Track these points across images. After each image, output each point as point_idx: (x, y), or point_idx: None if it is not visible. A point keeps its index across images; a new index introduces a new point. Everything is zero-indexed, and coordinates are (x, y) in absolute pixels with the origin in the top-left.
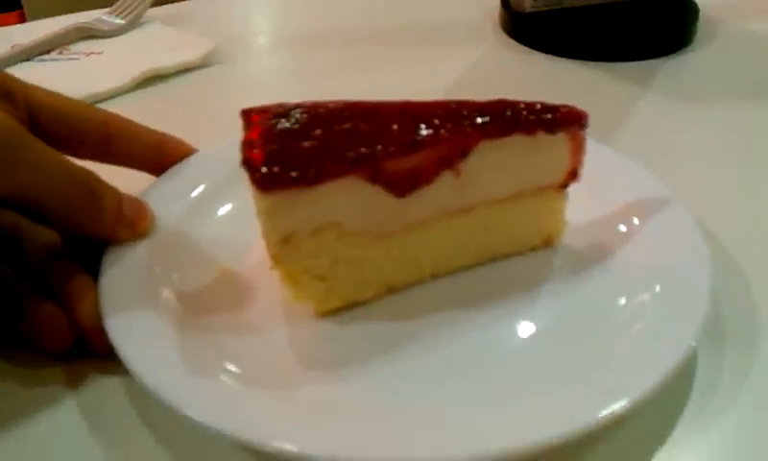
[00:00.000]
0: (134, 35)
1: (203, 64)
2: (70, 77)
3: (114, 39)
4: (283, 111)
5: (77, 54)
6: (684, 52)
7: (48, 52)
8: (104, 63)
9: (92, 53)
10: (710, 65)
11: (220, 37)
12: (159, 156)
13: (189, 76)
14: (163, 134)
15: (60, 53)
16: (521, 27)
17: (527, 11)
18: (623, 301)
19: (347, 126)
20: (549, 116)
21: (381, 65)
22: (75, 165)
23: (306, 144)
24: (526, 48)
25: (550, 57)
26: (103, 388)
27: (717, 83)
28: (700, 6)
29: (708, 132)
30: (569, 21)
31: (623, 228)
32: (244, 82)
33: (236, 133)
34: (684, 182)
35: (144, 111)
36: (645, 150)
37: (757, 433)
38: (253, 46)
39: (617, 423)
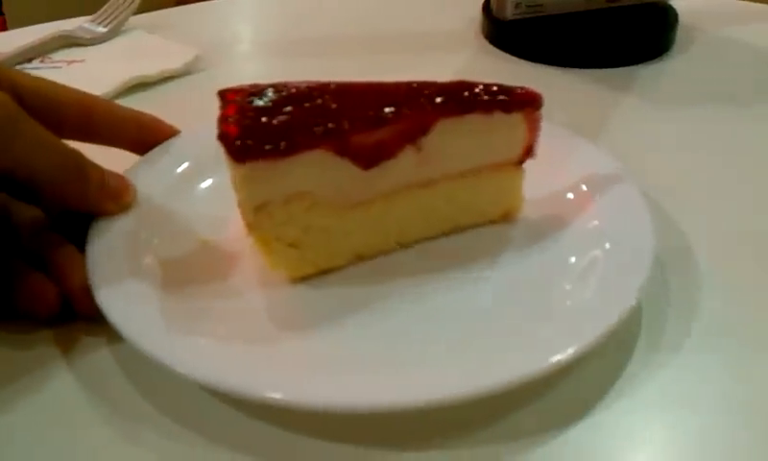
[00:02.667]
0: (117, 42)
1: (185, 72)
2: None
3: (96, 47)
4: (257, 90)
5: (59, 62)
6: (663, 58)
7: (30, 60)
8: (86, 72)
9: (74, 61)
10: (688, 71)
11: (203, 45)
12: (138, 132)
13: (172, 84)
14: (140, 112)
15: (42, 61)
16: (503, 34)
17: (509, 18)
18: (573, 260)
19: (317, 103)
20: (505, 97)
21: (362, 73)
22: (63, 143)
23: (278, 119)
24: (507, 55)
25: (531, 63)
26: (91, 350)
27: (695, 88)
28: (678, 13)
29: (685, 134)
30: (550, 28)
31: (577, 201)
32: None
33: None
34: (659, 181)
35: None
36: (623, 153)
37: (695, 387)
38: (236, 54)
39: (565, 371)
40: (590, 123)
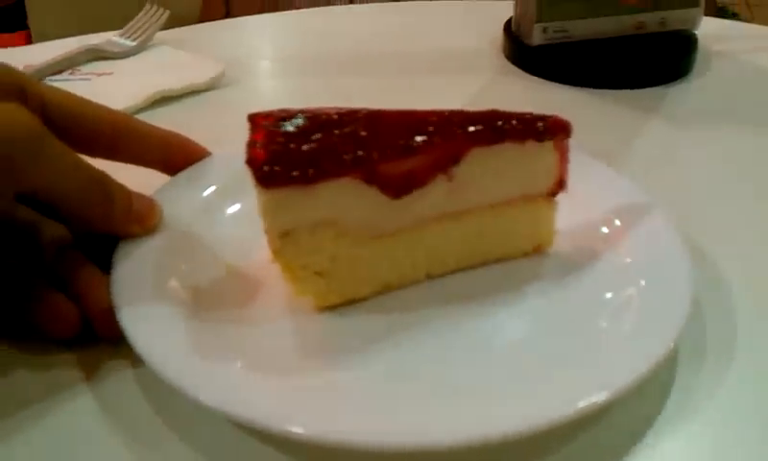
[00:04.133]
0: (144, 56)
1: (211, 87)
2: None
3: (124, 61)
4: (287, 116)
5: (88, 74)
6: (683, 81)
7: (60, 72)
8: (114, 84)
9: (103, 74)
10: (707, 93)
11: (228, 61)
12: (166, 152)
13: (197, 98)
14: (170, 132)
15: (72, 73)
16: (526, 56)
17: (535, 44)
18: (609, 296)
19: (346, 130)
20: (536, 125)
21: (385, 93)
22: (89, 164)
23: (307, 146)
24: (529, 75)
25: (554, 84)
26: (112, 374)
27: (712, 109)
28: (698, 39)
29: (704, 154)
30: (574, 52)
31: (609, 234)
32: (251, 105)
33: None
34: (678, 199)
35: None
36: (645, 170)
37: (729, 435)
38: (261, 70)
39: (597, 415)
40: (613, 140)
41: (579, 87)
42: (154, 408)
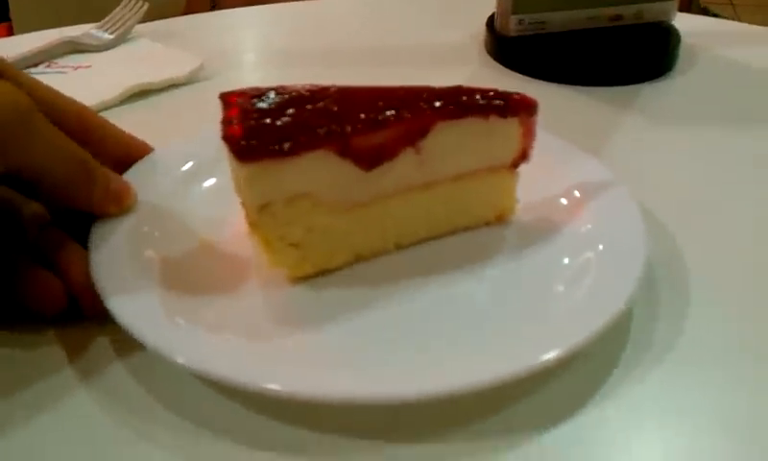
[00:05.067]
0: (122, 50)
1: (190, 80)
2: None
3: (102, 54)
4: (259, 93)
5: (65, 67)
6: (666, 78)
7: (36, 65)
8: (91, 77)
9: (80, 67)
10: (690, 91)
11: (207, 54)
12: (126, 154)
13: (176, 92)
14: (131, 136)
15: (48, 66)
16: (506, 50)
17: (512, 35)
18: (566, 261)
19: (318, 106)
20: (501, 102)
21: (365, 84)
22: (74, 144)
23: (282, 121)
24: (510, 71)
25: (533, 80)
26: (96, 349)
27: (697, 107)
28: (681, 34)
29: (685, 153)
30: (554, 45)
31: (569, 205)
32: None
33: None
34: (660, 198)
35: (130, 126)
36: (623, 170)
37: (680, 392)
38: (241, 63)
39: (555, 371)
40: (591, 140)
41: (558, 84)
42: (136, 378)
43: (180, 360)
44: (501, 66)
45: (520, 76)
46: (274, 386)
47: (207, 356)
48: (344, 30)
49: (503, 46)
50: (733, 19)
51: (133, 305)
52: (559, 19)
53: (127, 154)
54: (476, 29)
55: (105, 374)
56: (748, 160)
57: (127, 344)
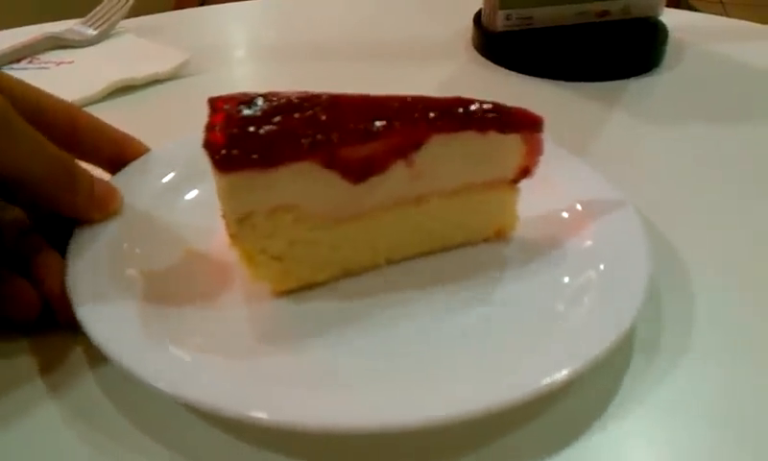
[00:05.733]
0: (106, 45)
1: (174, 76)
2: (40, 85)
3: (86, 49)
4: (247, 99)
5: (47, 63)
6: (653, 73)
7: (18, 60)
8: (74, 73)
9: (62, 62)
10: (678, 86)
11: (192, 50)
12: (119, 153)
13: (160, 87)
14: (122, 132)
15: (30, 61)
16: (493, 45)
17: (499, 30)
18: (567, 280)
19: (306, 114)
20: (501, 117)
21: (353, 80)
22: (55, 147)
23: (266, 129)
24: (498, 66)
25: (521, 75)
26: (70, 361)
27: (684, 103)
28: (669, 29)
29: (671, 148)
30: (541, 41)
31: (570, 220)
32: (215, 94)
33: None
34: (647, 195)
35: (114, 122)
36: (611, 167)
37: (682, 420)
38: (226, 59)
39: (557, 394)
40: (578, 135)
41: (545, 79)
42: (110, 397)
43: (153, 382)
44: (488, 62)
45: (507, 71)
46: (254, 414)
47: (180, 377)
48: (332, 26)
49: (490, 41)
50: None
51: (107, 319)
52: (546, 15)
53: (120, 153)
54: (463, 24)
55: (75, 386)
56: (736, 156)
57: (101, 355)
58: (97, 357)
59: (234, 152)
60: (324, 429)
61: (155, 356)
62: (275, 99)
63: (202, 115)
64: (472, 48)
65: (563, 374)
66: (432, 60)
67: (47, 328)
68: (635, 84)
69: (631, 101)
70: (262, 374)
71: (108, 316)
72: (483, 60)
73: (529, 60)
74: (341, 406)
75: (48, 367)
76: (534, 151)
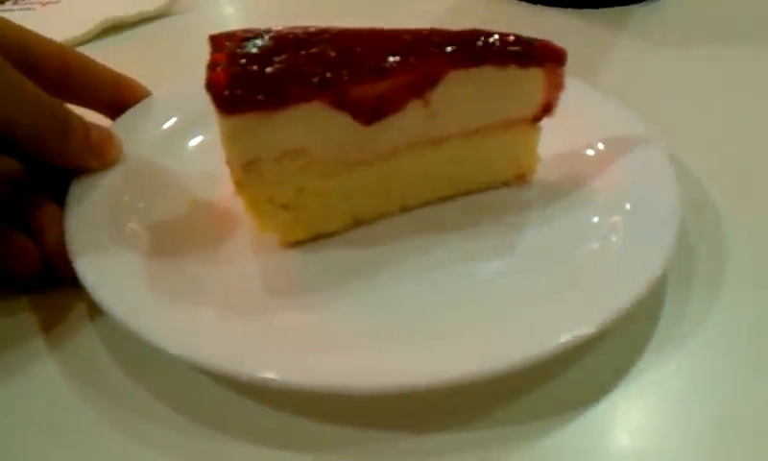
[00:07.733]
0: None
1: (164, 14)
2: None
3: None
4: (251, 36)
5: (32, 4)
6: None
7: (3, 2)
8: (61, 13)
9: (48, 2)
10: (684, 10)
11: None
12: (116, 95)
13: (150, 26)
14: (120, 74)
15: (16, 3)
16: None
17: None
18: (594, 221)
19: (314, 51)
20: (523, 50)
21: (353, 13)
22: (45, 94)
23: (271, 68)
24: None
25: (524, 3)
26: (71, 319)
27: (690, 27)
28: None
29: (681, 73)
30: None
31: (594, 160)
32: (206, 31)
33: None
34: (657, 119)
35: (104, 62)
36: (619, 90)
37: (717, 364)
38: None
39: (584, 346)
40: (586, 63)
41: (550, 7)
42: (113, 356)
43: (168, 348)
44: None
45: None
46: (266, 374)
47: (186, 336)
48: None
49: None
50: None
51: (113, 283)
52: None
53: (118, 96)
54: None
55: (76, 341)
56: (750, 78)
57: (105, 314)
58: (100, 313)
59: (238, 92)
60: (340, 391)
61: (158, 315)
62: (279, 35)
63: (197, 54)
64: None
65: (590, 327)
66: None
67: (48, 284)
68: (641, 9)
69: (637, 25)
70: (272, 332)
71: (109, 273)
72: None
73: None
74: (355, 367)
75: (49, 322)
76: (556, 86)
